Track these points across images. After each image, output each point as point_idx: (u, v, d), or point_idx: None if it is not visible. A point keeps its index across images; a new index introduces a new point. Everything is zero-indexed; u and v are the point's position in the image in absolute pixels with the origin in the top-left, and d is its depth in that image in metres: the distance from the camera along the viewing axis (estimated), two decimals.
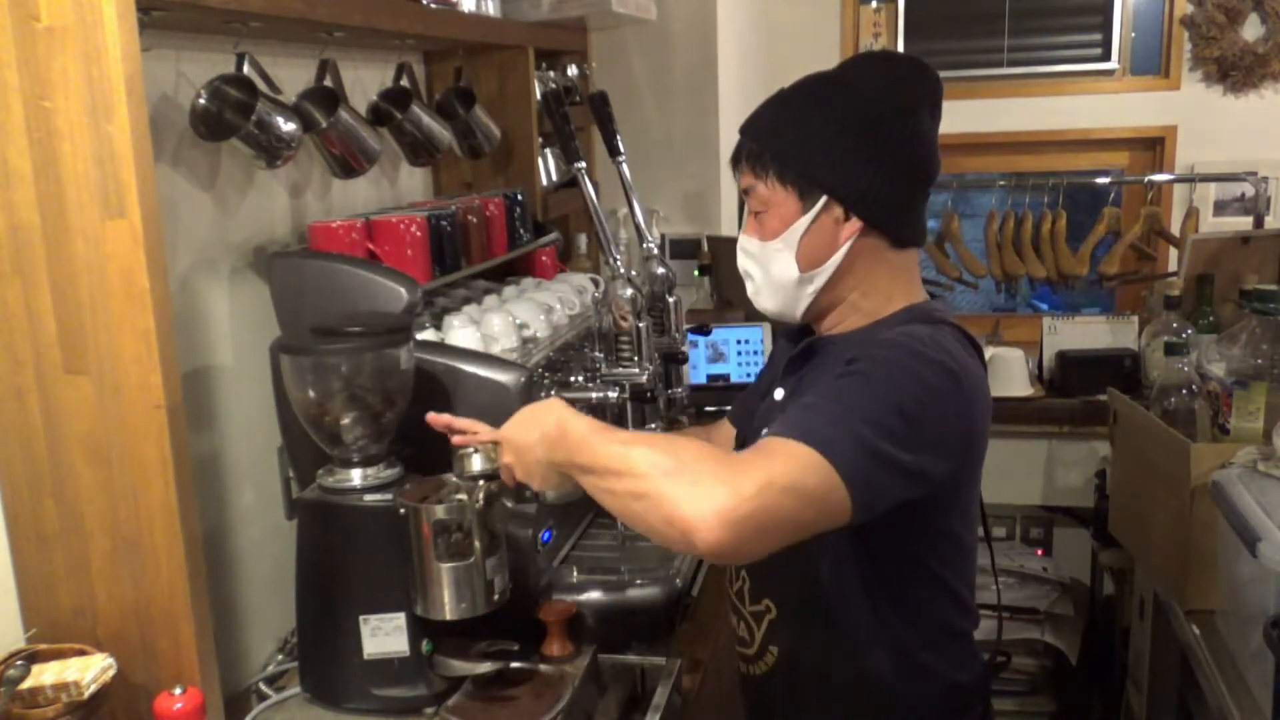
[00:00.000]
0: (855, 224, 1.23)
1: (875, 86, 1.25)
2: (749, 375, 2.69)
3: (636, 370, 1.72)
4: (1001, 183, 3.32)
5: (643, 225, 1.99)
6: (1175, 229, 3.24)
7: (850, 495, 1.03)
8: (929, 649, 1.29)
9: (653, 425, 1.73)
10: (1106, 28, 3.39)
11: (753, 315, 2.78)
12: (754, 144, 1.27)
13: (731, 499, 0.98)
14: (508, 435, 1.24)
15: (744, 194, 1.31)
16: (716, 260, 2.93)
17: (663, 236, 2.96)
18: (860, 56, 1.36)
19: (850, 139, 1.23)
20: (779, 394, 1.34)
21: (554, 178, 2.51)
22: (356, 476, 1.42)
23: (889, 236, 1.26)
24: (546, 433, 1.17)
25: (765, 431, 1.09)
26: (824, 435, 1.04)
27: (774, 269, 1.27)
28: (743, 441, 1.37)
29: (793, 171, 1.24)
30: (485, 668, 1.40)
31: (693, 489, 0.99)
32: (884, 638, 1.27)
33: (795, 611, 1.30)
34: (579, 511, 1.87)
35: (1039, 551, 3.09)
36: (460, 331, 1.66)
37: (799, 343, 1.35)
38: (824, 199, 1.23)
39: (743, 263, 1.32)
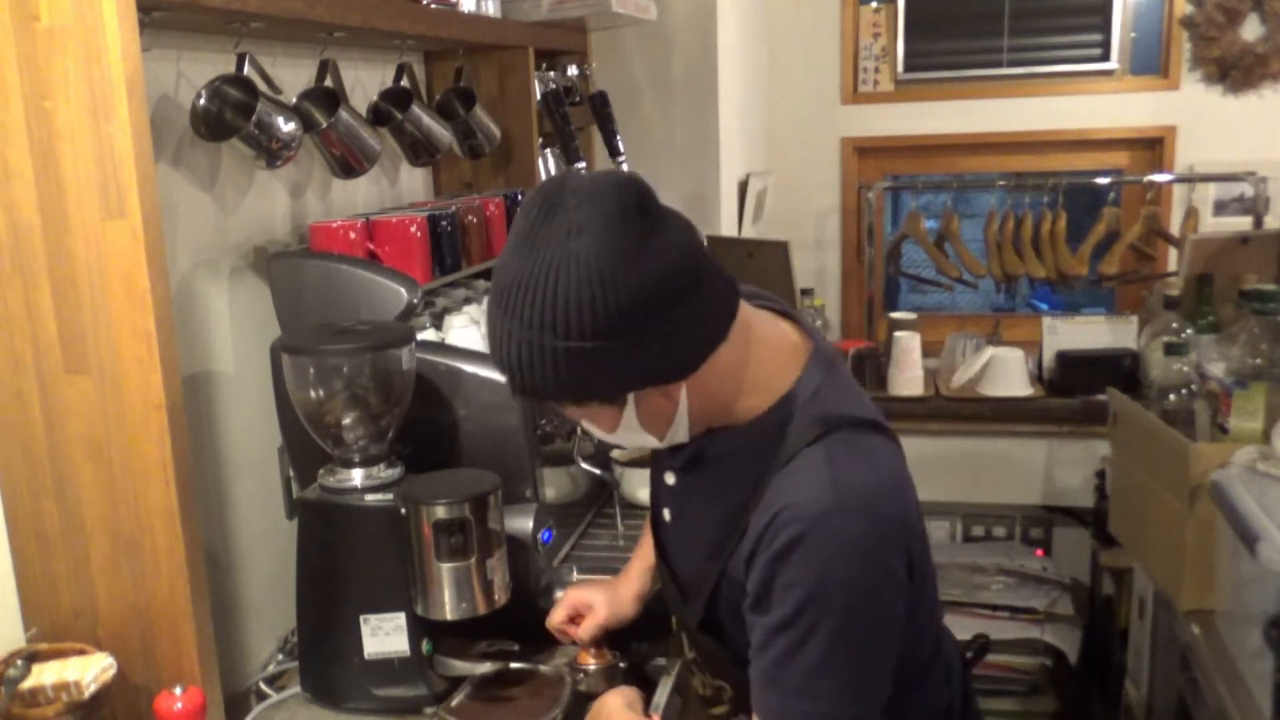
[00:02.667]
0: (673, 388, 1.09)
1: (578, 253, 1.03)
2: None
3: None
4: (1001, 183, 3.32)
5: None
6: (1175, 229, 3.24)
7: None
8: None
9: None
10: (1106, 28, 3.39)
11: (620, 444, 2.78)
12: (525, 392, 1.07)
13: None
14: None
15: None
16: (716, 260, 2.93)
17: None
18: (534, 219, 1.13)
19: (606, 340, 1.01)
20: (670, 479, 1.26)
21: None
22: (357, 476, 1.42)
23: (706, 354, 1.08)
24: None
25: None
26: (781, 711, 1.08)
27: (635, 443, 1.17)
28: (655, 517, 1.33)
29: (583, 403, 1.09)
30: (485, 668, 1.41)
31: None
32: None
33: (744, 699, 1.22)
34: (579, 511, 1.87)
35: (1039, 552, 3.09)
36: (460, 331, 1.66)
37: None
38: (627, 397, 1.08)
39: (610, 438, 1.19)
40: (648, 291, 1.01)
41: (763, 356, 1.15)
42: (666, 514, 1.29)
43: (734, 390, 1.13)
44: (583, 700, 1.41)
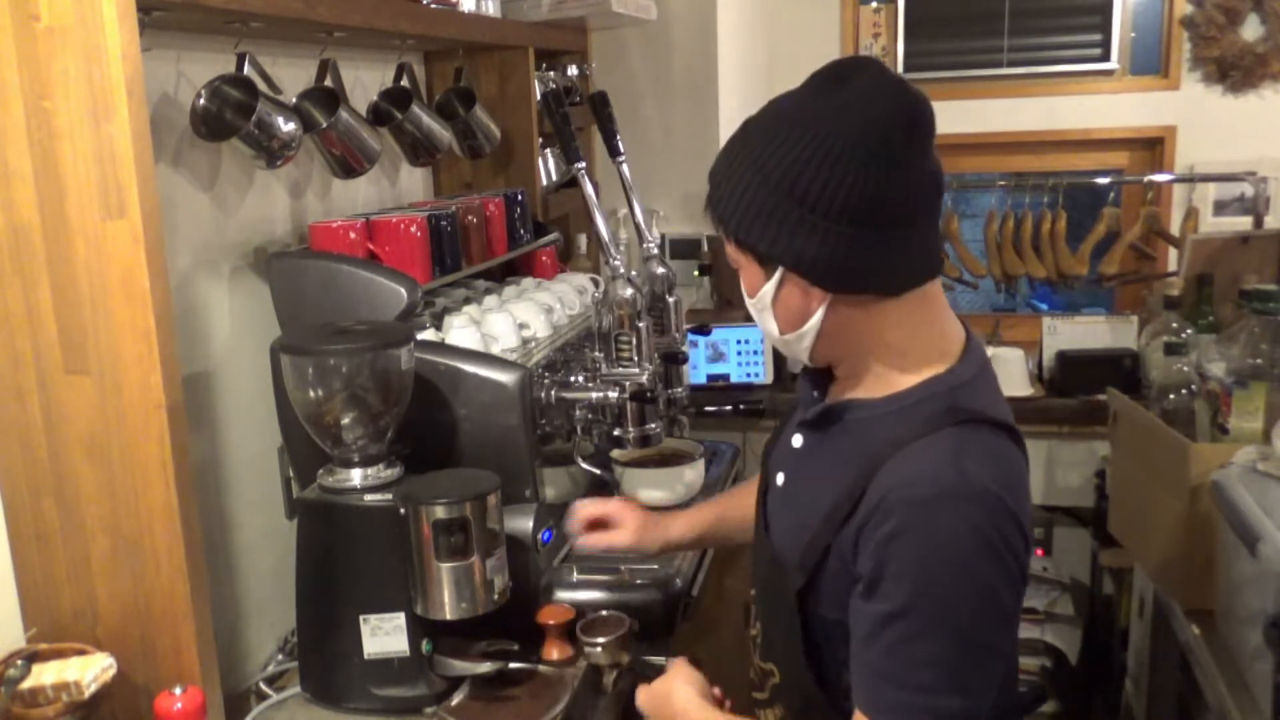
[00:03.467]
0: (822, 292, 1.09)
1: (837, 131, 1.04)
2: (749, 375, 2.69)
3: (636, 370, 1.72)
4: (1001, 183, 3.32)
5: (643, 225, 1.99)
6: (1175, 229, 3.23)
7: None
8: None
9: (653, 425, 1.73)
10: (1106, 28, 3.39)
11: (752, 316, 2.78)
12: (711, 205, 1.16)
13: None
14: (647, 708, 1.29)
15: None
16: (716, 260, 2.93)
17: (663, 236, 2.96)
18: (826, 73, 1.09)
19: (800, 208, 1.05)
20: (797, 441, 1.24)
21: (554, 178, 2.51)
22: (356, 476, 1.42)
23: (872, 293, 1.09)
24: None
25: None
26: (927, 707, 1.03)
27: (763, 324, 1.18)
28: (764, 482, 1.30)
29: (745, 244, 1.11)
30: (485, 668, 1.41)
31: None
32: None
33: (795, 689, 1.22)
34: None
35: (1039, 551, 3.09)
36: (460, 331, 1.66)
37: (815, 386, 1.24)
38: (780, 270, 1.10)
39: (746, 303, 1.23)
40: (851, 194, 1.03)
41: (925, 333, 1.13)
42: (780, 478, 1.25)
43: (880, 349, 1.12)
44: (585, 695, 1.41)
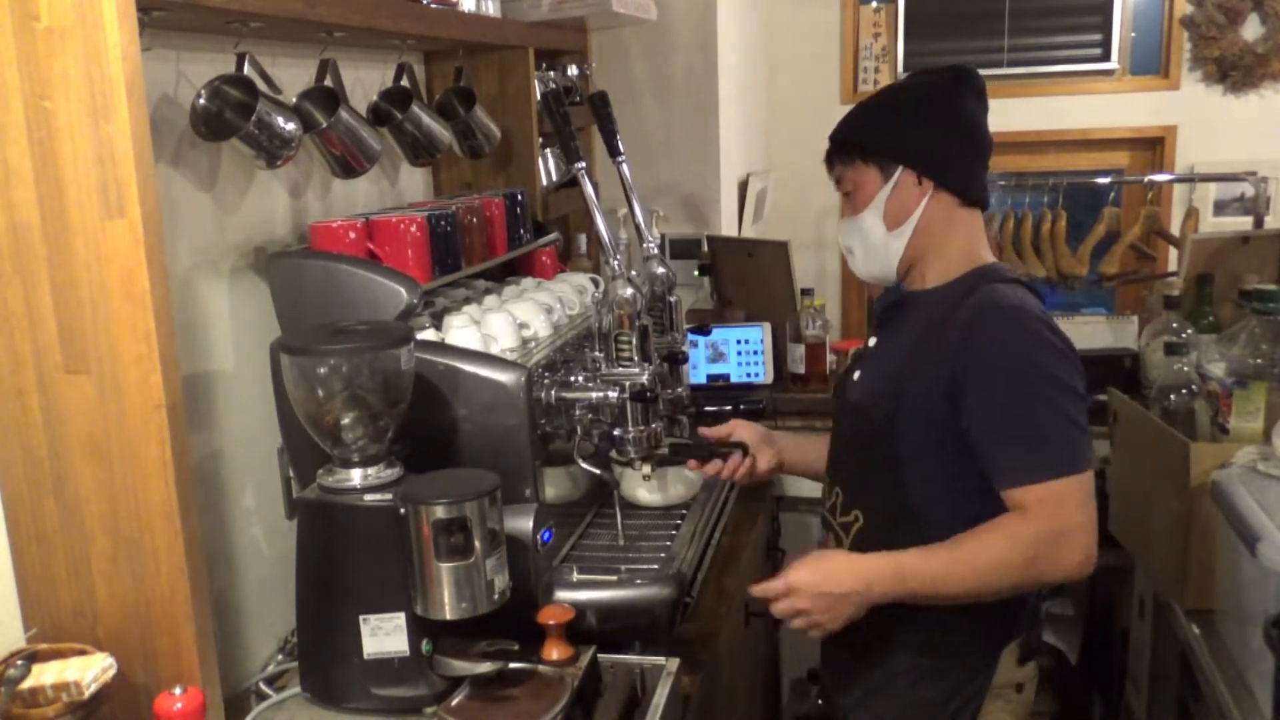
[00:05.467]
0: (928, 185, 1.52)
1: (933, 81, 1.58)
2: (749, 375, 2.69)
3: (636, 370, 1.72)
4: (1001, 183, 3.32)
5: (643, 225, 1.99)
6: (1175, 229, 3.24)
7: (1089, 463, 1.39)
8: None
9: (654, 425, 1.73)
10: (1106, 28, 3.40)
11: (753, 315, 2.78)
12: (839, 139, 1.59)
13: (1081, 553, 1.38)
14: (802, 586, 1.43)
15: (837, 184, 1.61)
16: (716, 260, 2.93)
17: (663, 236, 2.96)
18: (952, 70, 1.59)
19: (918, 120, 1.54)
20: (872, 342, 1.65)
21: (554, 178, 2.51)
22: (356, 476, 1.42)
23: (958, 196, 1.53)
24: (858, 590, 1.41)
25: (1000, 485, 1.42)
26: (1060, 459, 1.38)
27: (868, 235, 1.56)
28: (838, 400, 1.68)
29: (873, 151, 1.54)
30: (485, 668, 1.40)
31: (1052, 570, 1.40)
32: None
33: (880, 523, 1.52)
34: (579, 511, 1.87)
35: None
36: (460, 331, 1.66)
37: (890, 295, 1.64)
38: (900, 169, 1.52)
39: (844, 240, 1.62)
40: (963, 118, 1.55)
41: (974, 245, 1.56)
42: (856, 374, 1.63)
43: (954, 242, 1.54)
44: (585, 695, 1.41)
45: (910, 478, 1.49)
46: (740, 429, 1.83)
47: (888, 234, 1.54)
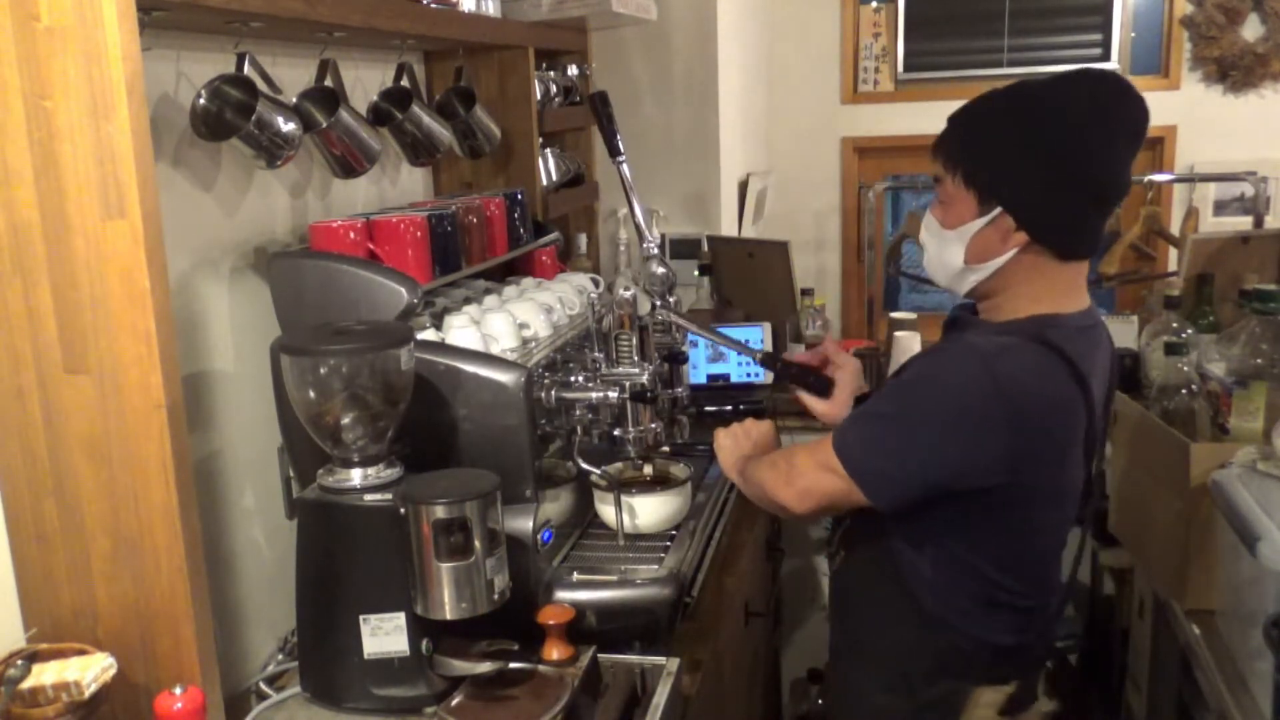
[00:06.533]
0: (1022, 237, 1.36)
1: (1079, 113, 1.34)
2: (749, 375, 2.69)
3: (636, 370, 1.72)
4: None
5: (643, 225, 1.99)
6: (1175, 229, 3.24)
7: (862, 486, 1.38)
8: (937, 600, 1.46)
9: (654, 425, 1.73)
10: (1106, 28, 3.39)
11: (753, 315, 2.78)
12: (950, 143, 1.41)
13: (784, 498, 1.48)
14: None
15: (934, 179, 1.45)
16: (716, 260, 2.93)
17: (663, 236, 2.96)
18: (1075, 75, 1.38)
19: (1037, 163, 1.34)
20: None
21: (554, 178, 2.51)
22: (356, 476, 1.42)
23: (1055, 251, 1.38)
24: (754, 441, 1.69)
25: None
26: (845, 437, 1.40)
27: (946, 253, 1.43)
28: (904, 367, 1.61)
29: (977, 180, 1.37)
30: (485, 668, 1.40)
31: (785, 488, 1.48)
32: (901, 576, 1.48)
33: (862, 527, 1.53)
34: (579, 512, 1.87)
35: None
36: (460, 331, 1.66)
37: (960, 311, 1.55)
38: (999, 210, 1.36)
39: (923, 235, 1.49)
40: (1093, 170, 1.34)
41: (1060, 291, 1.40)
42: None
43: (1026, 292, 1.40)
44: (585, 695, 1.42)
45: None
46: (841, 362, 1.75)
47: (964, 266, 1.41)
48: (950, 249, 1.41)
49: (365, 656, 1.41)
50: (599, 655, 1.51)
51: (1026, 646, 1.50)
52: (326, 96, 1.73)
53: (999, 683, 1.49)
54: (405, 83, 2.02)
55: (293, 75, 1.74)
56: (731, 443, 1.70)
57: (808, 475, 1.43)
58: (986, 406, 1.30)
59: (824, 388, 1.72)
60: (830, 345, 1.78)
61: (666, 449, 1.90)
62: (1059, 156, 1.33)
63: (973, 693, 1.48)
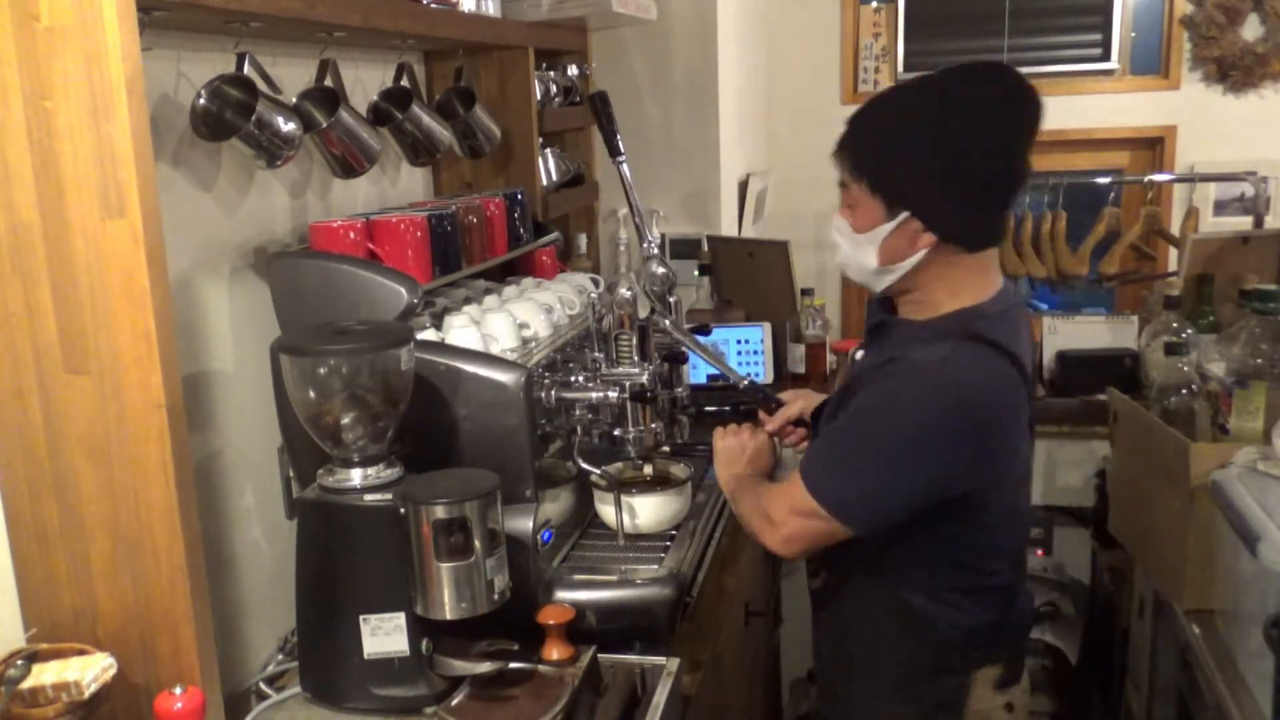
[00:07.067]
0: (931, 238, 1.39)
1: (972, 109, 1.37)
2: (749, 375, 2.69)
3: (636, 370, 1.72)
4: None
5: (643, 225, 1.99)
6: (1175, 229, 3.24)
7: (849, 522, 1.40)
8: (930, 599, 1.49)
9: (654, 425, 1.73)
10: (1106, 28, 3.39)
11: (753, 315, 2.78)
12: (853, 151, 1.44)
13: (769, 542, 1.49)
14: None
15: (840, 184, 1.48)
16: (716, 260, 2.93)
17: (663, 236, 2.96)
18: (964, 71, 1.40)
19: (938, 165, 1.37)
20: (859, 355, 1.61)
21: (554, 178, 2.51)
22: (356, 476, 1.42)
23: (963, 245, 1.41)
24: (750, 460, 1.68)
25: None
26: (817, 478, 1.41)
27: (859, 255, 1.45)
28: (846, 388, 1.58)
29: (882, 188, 1.40)
30: (485, 668, 1.40)
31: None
32: (892, 586, 1.51)
33: (843, 547, 1.49)
34: (579, 512, 1.87)
35: (1039, 552, 3.09)
36: (460, 331, 1.66)
37: (885, 310, 1.55)
38: (906, 214, 1.39)
39: (834, 235, 1.51)
40: (990, 165, 1.37)
41: (976, 279, 1.43)
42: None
43: (943, 287, 1.42)
44: (585, 695, 1.42)
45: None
46: (795, 403, 1.81)
47: (879, 268, 1.44)
48: (863, 251, 1.44)
49: (365, 656, 1.41)
50: (599, 655, 1.50)
51: (1009, 621, 1.54)
52: (326, 96, 1.72)
53: (991, 663, 1.52)
54: (405, 83, 2.02)
55: (293, 75, 1.74)
56: (727, 457, 1.70)
57: (789, 523, 1.44)
58: (946, 419, 1.34)
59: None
60: (792, 400, 1.83)
61: (666, 449, 1.89)
62: (957, 156, 1.36)
63: (973, 679, 1.51)
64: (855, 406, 1.41)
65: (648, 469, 1.81)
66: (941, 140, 1.36)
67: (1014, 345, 1.40)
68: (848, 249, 1.47)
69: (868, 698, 1.57)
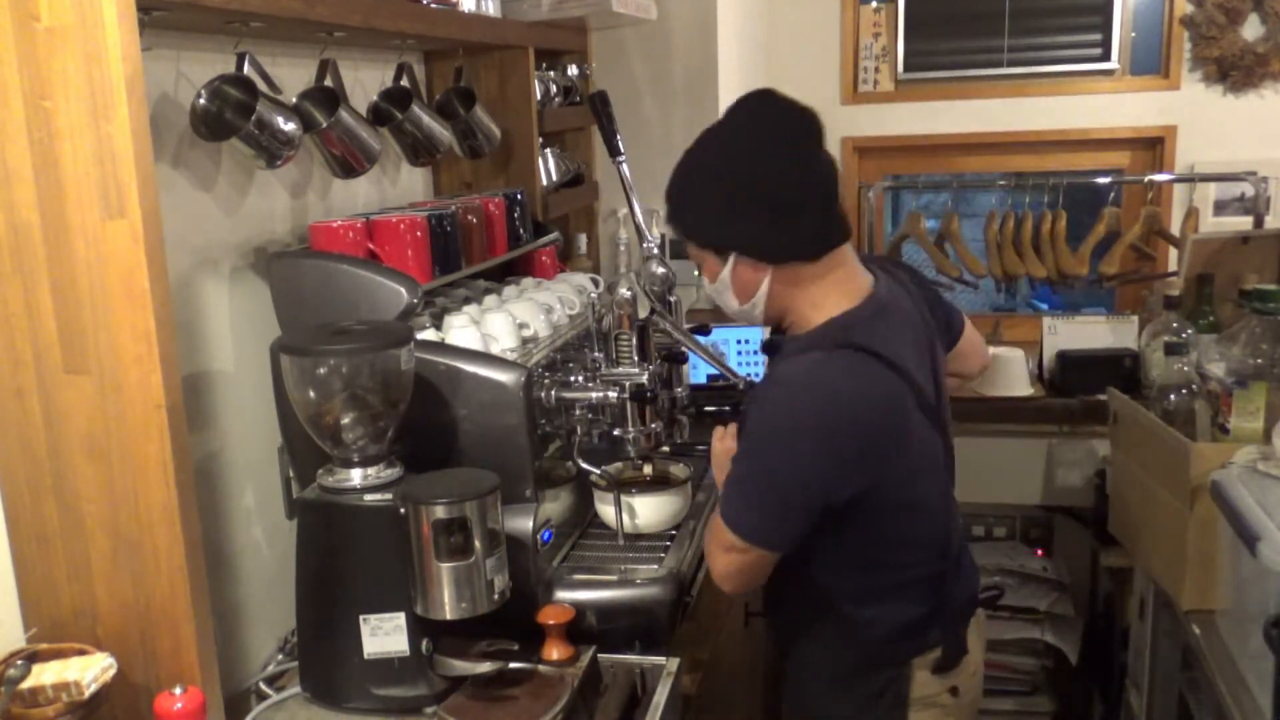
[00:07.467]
0: (765, 265, 1.47)
1: (740, 140, 1.47)
2: (749, 375, 2.69)
3: (636, 370, 1.72)
4: (1001, 183, 3.32)
5: (643, 225, 1.99)
6: (1175, 229, 3.23)
7: (765, 546, 1.43)
8: (857, 604, 1.53)
9: (654, 425, 1.73)
10: (1106, 28, 3.39)
11: (715, 299, 2.77)
12: (671, 217, 1.53)
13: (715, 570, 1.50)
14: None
15: (687, 253, 1.56)
16: None
17: (663, 236, 2.95)
18: (733, 107, 1.50)
19: (733, 201, 1.45)
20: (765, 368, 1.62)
21: (554, 178, 2.51)
22: (356, 476, 1.42)
23: (798, 258, 1.46)
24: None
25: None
26: (729, 511, 1.44)
27: (724, 300, 1.54)
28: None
29: (704, 240, 1.51)
30: (485, 668, 1.41)
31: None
32: (820, 596, 1.55)
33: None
34: (579, 512, 1.87)
35: (1039, 552, 3.09)
36: (460, 331, 1.66)
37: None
38: (733, 255, 1.48)
39: (706, 288, 1.59)
40: (773, 187, 1.43)
41: (834, 287, 1.48)
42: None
43: (804, 301, 1.48)
44: (585, 695, 1.42)
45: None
46: None
47: (741, 305, 1.52)
48: (725, 297, 1.53)
49: (365, 656, 1.41)
50: (599, 655, 1.51)
51: (944, 607, 1.55)
52: (326, 96, 1.72)
53: (928, 649, 1.54)
54: (405, 83, 2.02)
55: (293, 75, 1.74)
56: (724, 459, 1.64)
57: (719, 559, 1.47)
58: (821, 422, 1.38)
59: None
60: None
61: (666, 449, 1.89)
62: (746, 185, 1.44)
63: (911, 667, 1.54)
64: (744, 432, 1.47)
65: (648, 469, 1.81)
66: (728, 177, 1.45)
67: (889, 345, 1.44)
68: (718, 299, 1.56)
69: (810, 697, 1.61)
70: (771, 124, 1.47)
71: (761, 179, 1.43)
